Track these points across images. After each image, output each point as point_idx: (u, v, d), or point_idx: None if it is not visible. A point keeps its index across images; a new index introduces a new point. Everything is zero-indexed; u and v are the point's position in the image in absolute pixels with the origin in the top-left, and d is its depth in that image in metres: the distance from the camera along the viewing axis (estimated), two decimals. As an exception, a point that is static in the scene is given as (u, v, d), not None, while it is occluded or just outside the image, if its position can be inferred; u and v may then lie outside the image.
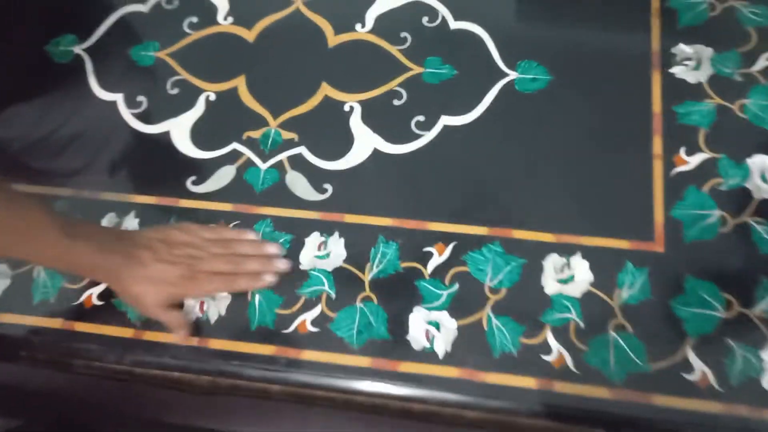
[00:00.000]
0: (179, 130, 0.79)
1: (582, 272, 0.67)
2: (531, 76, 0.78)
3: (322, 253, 0.71)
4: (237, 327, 0.69)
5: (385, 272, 0.70)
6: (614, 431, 0.62)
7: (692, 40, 0.79)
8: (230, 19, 0.86)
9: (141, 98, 0.82)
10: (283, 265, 0.70)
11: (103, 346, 0.69)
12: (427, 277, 0.69)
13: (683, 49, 0.77)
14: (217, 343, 0.68)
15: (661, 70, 0.77)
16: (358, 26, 0.83)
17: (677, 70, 0.76)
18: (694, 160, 0.72)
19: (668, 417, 0.61)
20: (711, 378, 0.62)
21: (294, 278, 0.70)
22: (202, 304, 0.69)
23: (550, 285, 0.67)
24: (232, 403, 0.73)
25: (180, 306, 0.69)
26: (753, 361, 0.62)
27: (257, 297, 0.69)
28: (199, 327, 0.68)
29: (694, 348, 0.63)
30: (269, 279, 0.69)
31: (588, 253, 0.69)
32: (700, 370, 0.62)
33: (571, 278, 0.67)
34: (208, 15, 0.86)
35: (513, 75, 0.79)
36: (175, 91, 0.81)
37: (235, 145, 0.79)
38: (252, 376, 0.67)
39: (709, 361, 0.63)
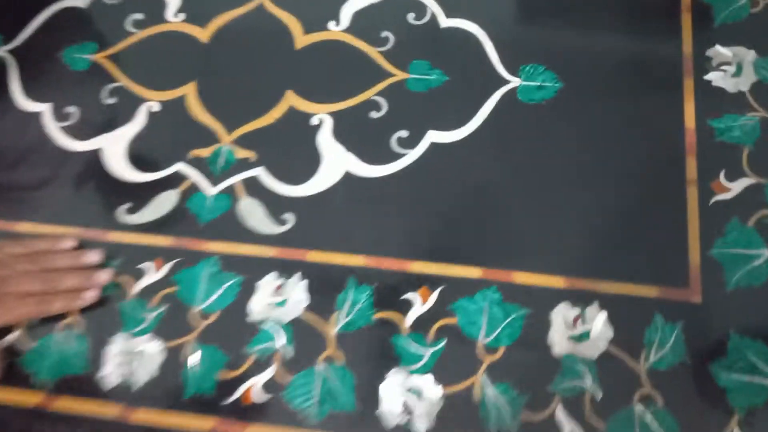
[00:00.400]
0: (114, 148, 0.67)
1: (599, 327, 0.56)
2: (537, 83, 0.67)
3: (278, 300, 0.60)
4: (167, 394, 0.57)
5: (355, 324, 0.58)
6: None
7: (731, 41, 0.67)
8: (182, 16, 0.75)
9: (71, 109, 0.69)
10: (105, 276, 0.60)
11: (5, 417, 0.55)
12: (407, 332, 0.58)
13: (720, 51, 0.66)
14: (141, 415, 0.56)
15: (695, 78, 0.66)
16: (331, 24, 0.72)
17: (714, 77, 0.65)
18: (736, 187, 0.61)
19: None
20: (766, 467, 0.47)
21: (243, 331, 0.55)
22: (127, 363, 0.54)
23: (560, 343, 0.54)
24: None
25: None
26: (819, 446, 0.47)
27: (195, 356, 0.54)
28: (122, 393, 0.54)
29: (741, 426, 0.51)
30: (91, 296, 0.59)
31: (607, 302, 0.58)
32: (751, 456, 0.48)
33: (586, 335, 0.55)
34: (156, 11, 0.74)
35: (515, 82, 0.67)
36: (111, 101, 0.69)
37: (179, 166, 0.67)
38: (185, 457, 0.53)
39: (761, 443, 0.48)
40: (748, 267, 0.56)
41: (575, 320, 0.57)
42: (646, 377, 0.53)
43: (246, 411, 0.55)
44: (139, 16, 0.74)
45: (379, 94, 0.68)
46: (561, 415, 0.52)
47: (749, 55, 0.66)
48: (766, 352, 0.54)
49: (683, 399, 0.53)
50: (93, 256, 0.61)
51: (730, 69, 0.65)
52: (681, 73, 0.66)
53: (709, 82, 0.66)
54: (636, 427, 0.52)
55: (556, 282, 0.59)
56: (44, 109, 0.70)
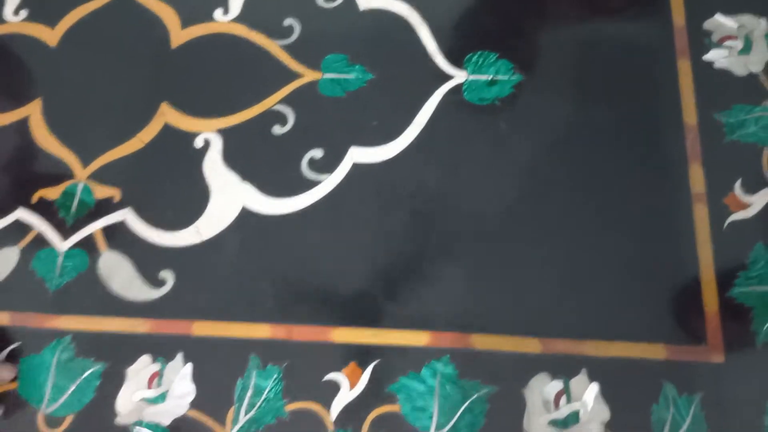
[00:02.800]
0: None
1: (590, 405, 0.47)
2: (488, 77, 0.58)
3: (154, 394, 0.51)
4: None
5: (261, 422, 0.50)
6: None
7: (735, 7, 0.58)
8: (23, 14, 0.66)
9: None
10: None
11: None
12: (332, 428, 0.48)
13: (722, 22, 0.58)
14: None
15: (692, 58, 0.57)
16: (217, 13, 0.64)
17: (716, 56, 0.58)
18: (758, 201, 0.52)
19: None
20: None
21: (104, 440, 0.45)
22: None
23: (539, 430, 0.41)
24: None
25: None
26: None
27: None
28: None
29: None
30: None
31: (597, 369, 0.49)
32: None
33: (574, 418, 0.46)
34: (-9, 9, 0.61)
35: (461, 76, 0.58)
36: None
37: (20, 213, 0.57)
38: None
39: None
40: (781, 310, 0.45)
41: (557, 397, 0.48)
42: (659, 474, 0.42)
43: None
44: (-34, 15, 0.62)
45: (283, 101, 0.60)
46: None
47: (761, 25, 0.58)
48: (814, 424, 0.42)
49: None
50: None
51: (736, 45, 0.57)
52: (673, 53, 0.57)
53: (711, 63, 0.57)
54: None
55: (529, 345, 0.50)
56: None
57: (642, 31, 0.58)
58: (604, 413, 0.47)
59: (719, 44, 0.57)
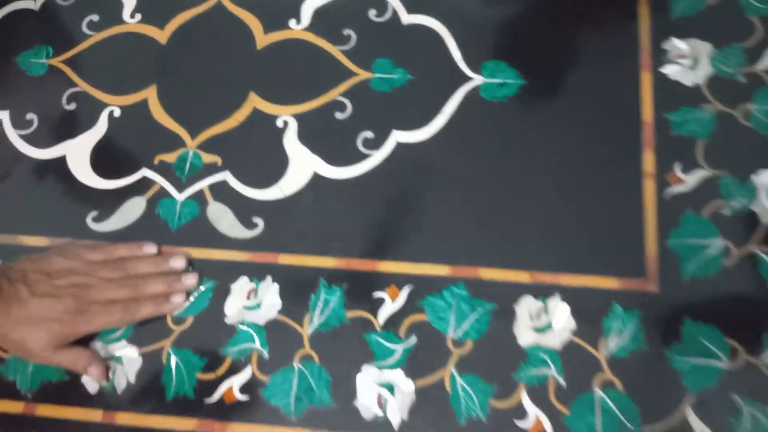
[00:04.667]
0: (77, 155, 0.77)
1: (562, 318, 0.68)
2: (499, 81, 0.78)
3: (251, 303, 0.71)
4: (150, 397, 0.69)
5: (329, 324, 0.70)
6: None
7: (688, 33, 0.79)
8: (138, 17, 0.86)
9: (31, 116, 0.80)
10: (191, 280, 0.70)
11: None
12: (379, 329, 0.69)
13: (677, 44, 0.78)
14: (125, 418, 0.68)
15: (652, 71, 0.77)
16: (292, 22, 0.83)
17: (671, 71, 0.77)
18: (691, 179, 0.72)
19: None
20: (715, 443, 0.61)
21: (219, 334, 0.68)
22: (107, 370, 0.66)
23: (525, 335, 0.67)
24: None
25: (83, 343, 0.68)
26: (763, 421, 0.61)
27: (173, 359, 0.67)
28: (104, 398, 0.66)
29: (694, 407, 0.64)
30: (178, 300, 0.69)
31: (569, 294, 0.70)
32: (701, 433, 0.61)
33: (549, 326, 0.67)
34: (112, 12, 0.85)
35: (478, 79, 0.78)
36: (71, 107, 0.80)
37: (145, 172, 0.78)
38: (170, 457, 0.65)
39: (711, 421, 0.64)
40: (702, 256, 0.69)
41: (538, 312, 0.69)
42: (607, 364, 0.66)
43: (227, 410, 0.67)
44: (94, 17, 0.85)
45: (343, 94, 0.80)
46: (526, 401, 0.65)
47: (705, 48, 0.77)
48: (718, 337, 0.66)
49: (641, 383, 0.65)
50: (178, 262, 0.71)
51: (686, 62, 0.77)
52: (638, 67, 0.77)
53: (666, 75, 0.77)
54: (596, 410, 0.65)
55: (521, 277, 0.71)
56: (3, 117, 0.80)
57: (616, 50, 0.80)
58: (571, 323, 0.68)
59: (674, 61, 0.80)
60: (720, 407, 0.64)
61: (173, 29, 0.84)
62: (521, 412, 0.64)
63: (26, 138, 0.79)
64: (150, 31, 0.84)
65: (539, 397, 0.65)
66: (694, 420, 0.63)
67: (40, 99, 0.81)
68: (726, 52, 0.76)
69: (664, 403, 0.64)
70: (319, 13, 0.82)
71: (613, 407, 0.63)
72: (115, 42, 0.84)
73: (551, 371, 0.65)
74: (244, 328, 0.70)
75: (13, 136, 0.79)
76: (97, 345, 0.69)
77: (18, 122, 0.80)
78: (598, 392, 0.64)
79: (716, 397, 0.64)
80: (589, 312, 0.69)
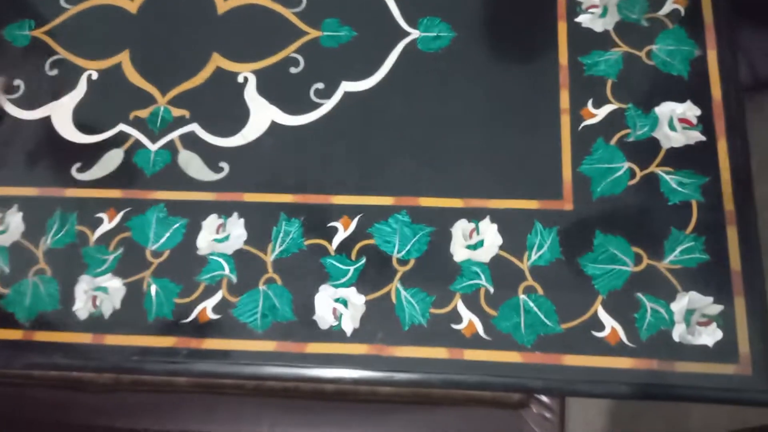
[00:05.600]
0: (61, 114, 0.84)
1: (491, 236, 0.75)
2: (434, 34, 0.85)
3: (220, 236, 0.78)
4: (133, 320, 0.75)
5: (289, 251, 0.77)
6: (527, 394, 0.70)
7: None
8: None
9: (18, 82, 0.87)
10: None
11: (-7, 351, 0.74)
12: (333, 254, 0.76)
13: None
14: (113, 339, 0.74)
15: (567, 20, 0.85)
16: None
17: (583, 19, 0.84)
18: (601, 113, 0.80)
19: (579, 376, 0.69)
20: (621, 334, 0.70)
21: (192, 264, 0.76)
22: (94, 299, 0.74)
23: (459, 252, 0.74)
24: (135, 398, 0.79)
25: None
26: (662, 314, 0.70)
27: (153, 287, 0.75)
28: (93, 323, 0.74)
29: (604, 305, 0.72)
30: None
31: (497, 216, 0.77)
32: (610, 326, 0.70)
33: (481, 243, 0.74)
34: (86, -14, 0.90)
35: (415, 33, 0.85)
36: (54, 72, 0.87)
37: (121, 127, 0.85)
38: (154, 370, 0.73)
39: (619, 317, 0.72)
40: (610, 178, 0.77)
41: (471, 233, 0.77)
42: (529, 273, 0.75)
43: (201, 328, 0.75)
44: (70, -9, 0.91)
45: (296, 51, 0.87)
46: (461, 308, 0.74)
47: None
48: (624, 245, 0.74)
49: (558, 287, 0.73)
50: None
51: (597, 11, 0.84)
52: (555, 17, 0.85)
53: (580, 23, 0.84)
54: (521, 311, 0.73)
55: (455, 203, 0.78)
56: (-9, 83, 0.88)
57: (535, 4, 0.88)
58: (499, 240, 0.76)
59: (586, 11, 0.88)
60: (626, 304, 0.72)
61: (142, 0, 0.89)
62: (457, 317, 0.72)
63: (14, 101, 0.86)
64: (121, 2, 0.91)
65: (472, 304, 0.73)
66: (604, 316, 0.71)
67: (26, 67, 0.87)
68: (631, 1, 0.84)
69: (579, 304, 0.72)
70: (272, -20, 0.88)
71: (535, 308, 0.72)
72: (91, 13, 0.90)
73: (482, 281, 0.73)
74: (215, 257, 0.77)
75: (3, 100, 0.86)
76: (85, 279, 0.76)
77: (7, 88, 0.86)
78: (522, 297, 0.73)
79: (623, 296, 0.72)
80: (514, 230, 0.76)
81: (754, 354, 0.68)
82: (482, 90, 0.82)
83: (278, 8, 0.87)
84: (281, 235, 0.78)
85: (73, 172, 0.81)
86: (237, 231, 0.77)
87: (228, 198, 0.80)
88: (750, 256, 0.71)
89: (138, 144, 0.83)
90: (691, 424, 1.28)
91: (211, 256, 0.77)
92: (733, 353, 0.69)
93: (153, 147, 0.82)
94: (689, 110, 0.77)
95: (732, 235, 0.73)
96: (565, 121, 0.79)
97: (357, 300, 0.73)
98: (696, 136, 0.76)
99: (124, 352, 0.74)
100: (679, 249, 0.72)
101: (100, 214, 0.80)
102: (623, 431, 1.28)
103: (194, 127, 0.83)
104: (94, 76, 0.86)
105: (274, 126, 0.83)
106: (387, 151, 0.81)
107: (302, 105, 0.84)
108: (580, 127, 0.80)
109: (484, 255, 0.74)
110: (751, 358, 0.68)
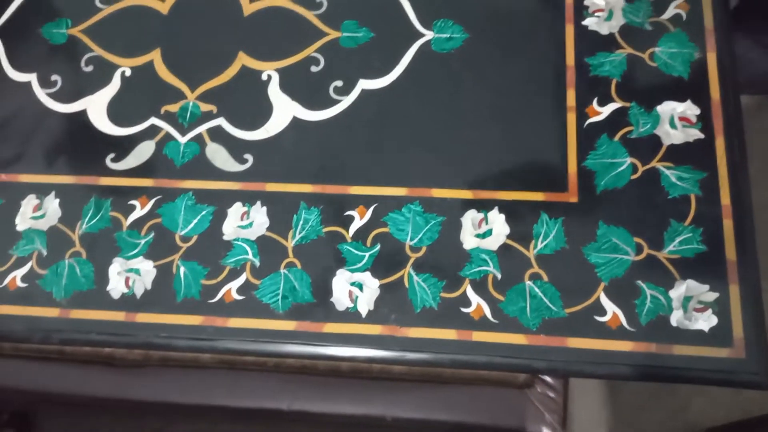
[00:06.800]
0: (96, 108, 0.87)
1: (499, 226, 0.77)
2: (447, 35, 0.87)
3: (245, 223, 0.80)
4: (163, 300, 0.78)
5: (308, 238, 0.79)
6: (532, 374, 0.72)
7: None
8: None
9: (55, 77, 0.90)
10: None
11: (29, 326, 0.77)
12: (349, 240, 0.78)
13: (595, 1, 0.86)
14: (144, 317, 0.77)
15: (575, 23, 0.86)
16: None
17: (590, 22, 0.86)
18: (606, 111, 0.81)
19: (582, 357, 0.71)
20: (622, 318, 0.72)
21: (218, 249, 0.78)
22: (127, 279, 0.77)
23: (469, 240, 0.76)
24: (164, 373, 0.82)
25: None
26: (661, 301, 0.72)
27: (182, 269, 0.77)
28: (125, 302, 0.76)
29: (606, 291, 0.73)
30: None
31: (505, 207, 0.79)
32: (611, 311, 0.72)
33: (489, 233, 0.76)
34: (120, -12, 0.93)
35: (429, 35, 0.87)
36: (89, 69, 0.89)
37: (153, 120, 0.87)
38: (181, 347, 0.76)
39: (620, 302, 0.73)
40: (614, 172, 0.79)
41: (480, 222, 0.79)
42: (535, 260, 0.77)
43: (226, 308, 0.77)
44: (105, -7, 0.94)
45: (317, 51, 0.89)
46: (470, 292, 0.76)
47: (619, 2, 0.86)
48: (626, 236, 0.76)
49: (563, 274, 0.75)
50: None
51: (603, 15, 0.86)
52: (563, 20, 0.86)
53: (586, 26, 0.86)
54: (527, 297, 0.75)
55: (465, 194, 0.80)
56: (31, 79, 0.91)
57: (544, 7, 0.91)
58: (506, 230, 0.79)
59: (593, 14, 0.90)
60: (627, 291, 0.74)
61: (173, 1, 0.92)
62: (466, 301, 0.74)
63: (52, 95, 0.89)
64: (153, 3, 0.93)
65: (480, 289, 0.75)
66: (606, 302, 0.73)
67: (63, 63, 0.90)
68: (636, 5, 0.86)
69: (582, 290, 0.74)
70: (295, -16, 0.90)
71: (540, 293, 0.74)
72: (124, 13, 0.93)
73: (490, 268, 0.75)
74: (239, 243, 0.80)
75: (41, 94, 0.89)
76: (119, 261, 0.79)
77: (45, 83, 0.89)
78: (528, 283, 0.74)
79: (624, 284, 0.74)
80: (521, 220, 0.78)
81: (747, 339, 0.69)
82: (492, 89, 0.84)
83: (300, 10, 0.89)
84: (301, 222, 0.80)
85: (108, 162, 0.83)
86: (260, 218, 0.79)
87: (252, 188, 0.82)
88: (744, 246, 0.72)
89: (168, 136, 0.85)
90: (689, 415, 1.29)
91: (235, 242, 0.78)
92: (728, 338, 0.70)
93: (182, 139, 0.84)
94: (689, 109, 0.78)
95: (728, 227, 0.74)
96: (572, 118, 0.81)
97: (372, 284, 0.75)
98: (695, 134, 0.77)
99: (155, 330, 0.75)
100: (678, 240, 0.73)
101: (133, 201, 0.82)
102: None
103: (221, 121, 0.85)
104: (128, 72, 0.88)
105: (296, 121, 0.85)
106: (401, 145, 0.83)
107: (322, 101, 0.86)
108: (586, 124, 0.81)
109: (493, 243, 0.76)
110: (745, 343, 0.69)
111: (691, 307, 0.70)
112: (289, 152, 0.83)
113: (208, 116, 0.86)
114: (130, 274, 0.77)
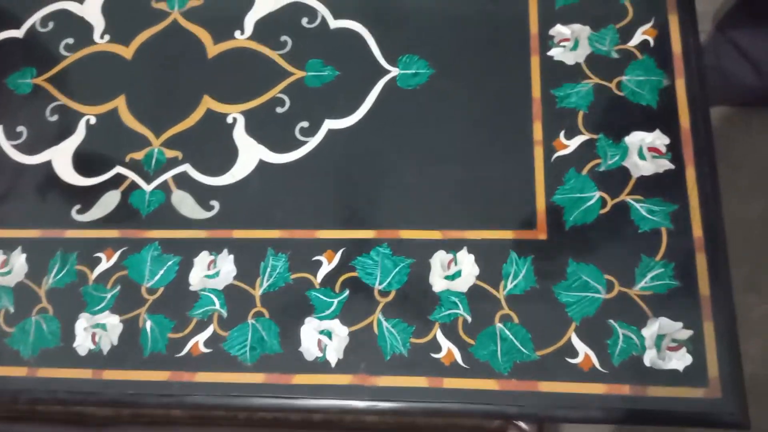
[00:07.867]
0: (61, 158, 0.84)
1: (468, 267, 0.74)
2: (412, 71, 0.84)
3: (211, 272, 0.77)
4: (130, 355, 0.75)
5: (276, 285, 0.76)
6: (505, 420, 0.69)
7: (570, 19, 0.84)
8: (107, 37, 0.91)
9: (20, 128, 0.87)
10: None
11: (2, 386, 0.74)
12: (318, 287, 0.75)
13: (561, 30, 0.83)
14: (111, 374, 0.74)
15: (540, 54, 0.83)
16: (237, 33, 0.89)
17: (555, 53, 0.82)
18: (573, 143, 0.78)
19: (554, 402, 0.68)
20: (594, 360, 0.69)
21: (185, 300, 0.75)
22: (93, 335, 0.74)
23: (438, 282, 0.73)
24: (134, 430, 0.79)
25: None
26: (634, 340, 0.69)
27: (148, 323, 0.74)
28: (92, 359, 0.73)
29: (577, 332, 0.70)
30: None
31: (474, 246, 0.76)
32: (583, 353, 0.69)
33: (458, 274, 0.73)
34: (84, 35, 0.91)
35: (394, 71, 0.84)
36: (54, 118, 0.87)
37: (118, 169, 0.84)
38: (149, 403, 0.73)
39: (592, 343, 0.70)
40: (582, 207, 0.76)
41: (449, 263, 0.75)
42: (505, 301, 0.73)
43: (194, 362, 0.74)
44: (70, 40, 0.92)
45: (282, 91, 0.86)
46: (440, 337, 0.73)
47: (584, 31, 0.83)
48: (596, 273, 0.73)
49: (533, 315, 0.72)
50: None
51: (568, 44, 0.83)
52: (528, 51, 0.83)
53: (552, 57, 0.83)
54: (497, 340, 0.72)
55: (434, 235, 0.77)
56: (-4, 130, 0.88)
57: (509, 37, 0.86)
58: (476, 270, 0.76)
59: (558, 44, 0.87)
60: (599, 331, 0.70)
61: (137, 46, 0.90)
62: (436, 346, 0.71)
63: (18, 147, 0.86)
64: (117, 49, 0.90)
65: (450, 333, 0.72)
66: (577, 343, 0.70)
67: (28, 113, 0.87)
68: (602, 34, 0.82)
69: (553, 331, 0.71)
70: (259, 24, 0.88)
71: (511, 336, 0.71)
72: (89, 60, 0.90)
73: (460, 311, 0.72)
74: (206, 293, 0.77)
75: (7, 146, 0.85)
76: (85, 316, 0.76)
77: (10, 134, 0.86)
78: (498, 325, 0.71)
79: (595, 323, 0.71)
80: (490, 260, 0.75)
81: (722, 377, 0.66)
82: (458, 124, 0.81)
83: (265, 50, 0.86)
84: (269, 269, 0.77)
85: (73, 213, 0.81)
86: (227, 267, 0.76)
87: (218, 235, 0.80)
88: (718, 281, 0.69)
89: (134, 185, 0.83)
90: None
91: (202, 292, 0.76)
92: (703, 377, 0.67)
93: (148, 188, 0.81)
94: (658, 139, 0.75)
95: (701, 260, 0.71)
96: (539, 152, 0.78)
97: (341, 331, 0.72)
98: (665, 164, 0.74)
99: (122, 387, 0.73)
100: (649, 275, 0.70)
101: (99, 254, 0.79)
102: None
103: (186, 168, 0.82)
104: (92, 120, 0.85)
105: (262, 164, 0.83)
106: (369, 186, 0.80)
107: (288, 143, 0.84)
108: (553, 158, 0.78)
109: (462, 285, 0.73)
110: (720, 382, 0.67)
111: (665, 345, 0.67)
112: (256, 197, 0.80)
113: (174, 163, 0.83)
114: (96, 329, 0.74)
